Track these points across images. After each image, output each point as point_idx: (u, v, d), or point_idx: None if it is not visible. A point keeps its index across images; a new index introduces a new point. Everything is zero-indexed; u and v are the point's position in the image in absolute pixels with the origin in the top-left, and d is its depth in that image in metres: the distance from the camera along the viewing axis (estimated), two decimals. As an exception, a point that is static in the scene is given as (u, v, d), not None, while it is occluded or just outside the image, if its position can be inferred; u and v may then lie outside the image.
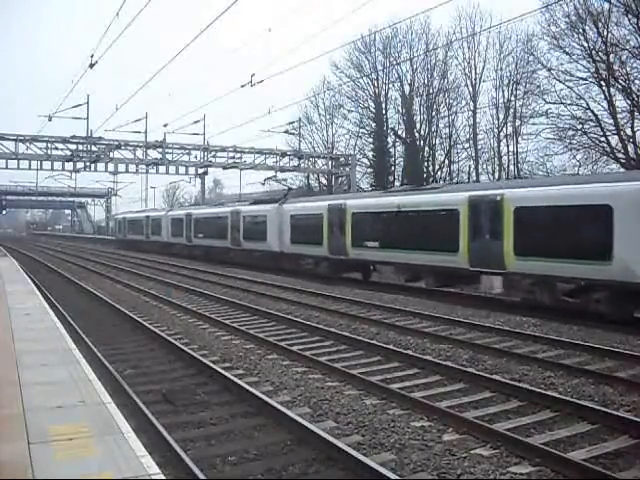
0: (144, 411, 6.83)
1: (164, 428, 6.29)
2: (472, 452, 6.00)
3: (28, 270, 23.01)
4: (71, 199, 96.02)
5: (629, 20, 28.89)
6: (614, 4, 29.18)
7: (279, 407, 7.02)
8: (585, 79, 31.43)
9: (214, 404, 7.57)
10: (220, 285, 21.32)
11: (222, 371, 8.73)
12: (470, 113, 42.89)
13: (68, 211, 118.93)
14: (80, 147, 36.42)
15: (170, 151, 39.11)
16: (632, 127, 30.14)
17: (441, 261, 17.23)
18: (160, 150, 38.47)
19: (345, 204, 22.01)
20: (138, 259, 36.42)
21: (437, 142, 45.57)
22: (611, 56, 30.09)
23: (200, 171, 42.34)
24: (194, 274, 25.66)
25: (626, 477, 5.42)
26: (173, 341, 11.03)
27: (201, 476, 5.18)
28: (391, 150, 48.28)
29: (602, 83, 30.63)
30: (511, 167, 40.74)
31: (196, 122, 36.66)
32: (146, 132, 37.16)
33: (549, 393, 7.83)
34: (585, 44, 30.68)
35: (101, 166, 39.39)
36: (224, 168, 41.48)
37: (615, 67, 30.13)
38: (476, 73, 42.48)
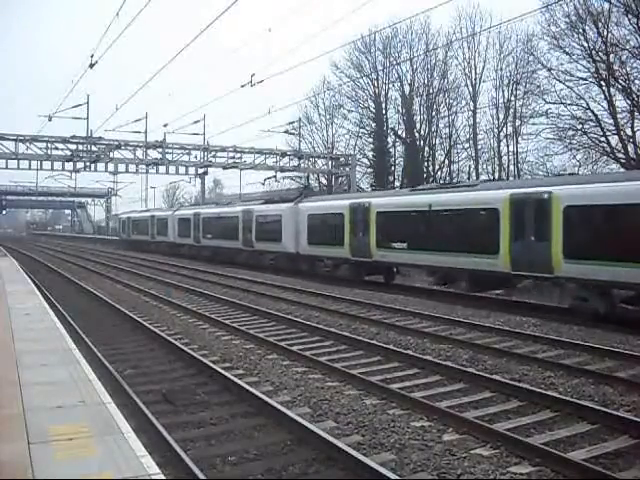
0: (144, 411, 6.83)
1: (164, 428, 6.29)
2: (472, 452, 6.00)
3: (28, 270, 23.01)
4: (71, 199, 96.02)
5: (629, 20, 28.87)
6: (614, 4, 29.18)
7: (279, 407, 7.02)
8: (585, 79, 31.42)
9: (214, 404, 7.57)
10: (220, 285, 21.32)
11: (222, 371, 8.74)
12: (470, 113, 42.88)
13: (68, 211, 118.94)
14: (80, 147, 36.37)
15: (170, 151, 39.08)
16: (632, 127, 30.13)
17: (478, 264, 16.08)
18: (160, 150, 38.44)
19: (369, 203, 20.82)
20: (138, 259, 36.42)
21: (437, 142, 45.56)
22: (611, 56, 30.07)
23: (200, 171, 42.30)
24: (194, 274, 25.66)
25: (626, 477, 5.42)
26: (173, 341, 11.03)
27: (201, 476, 5.18)
28: (391, 150, 48.25)
29: (602, 83, 30.61)
30: (511, 167, 40.74)
31: (196, 122, 36.68)
32: (146, 132, 37.17)
33: (549, 393, 7.83)
34: (585, 44, 30.67)
35: (101, 166, 39.34)
36: (224, 168, 41.44)
37: (615, 67, 30.11)
38: (476, 73, 42.48)
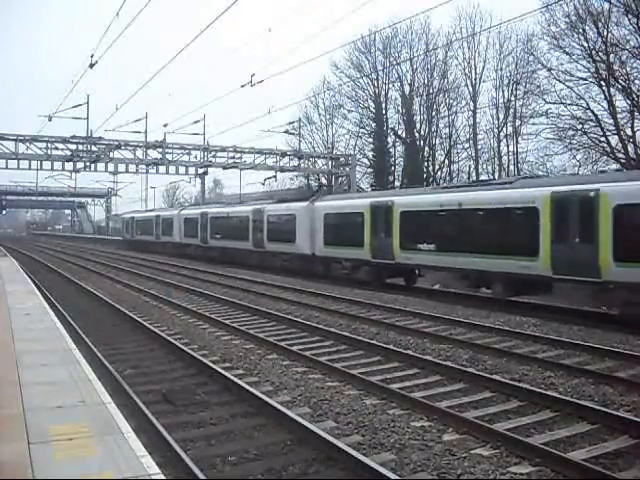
0: (144, 411, 6.83)
1: (164, 428, 6.29)
2: (472, 452, 6.00)
3: (28, 270, 23.01)
4: (71, 199, 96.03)
5: (629, 20, 28.85)
6: (614, 4, 29.15)
7: (279, 407, 7.02)
8: (585, 79, 31.40)
9: (214, 404, 7.57)
10: (220, 285, 21.32)
11: (222, 371, 8.74)
12: (470, 113, 42.86)
13: (68, 211, 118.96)
14: (80, 147, 36.34)
15: (170, 151, 39.05)
16: (632, 127, 30.11)
17: (515, 267, 15.03)
18: (160, 150, 38.42)
19: (392, 202, 19.74)
20: (138, 259, 36.43)
21: (437, 142, 45.54)
22: (611, 56, 30.05)
23: (200, 171, 42.27)
24: (194, 274, 25.67)
25: (626, 477, 5.42)
26: (173, 341, 11.03)
27: (201, 476, 5.18)
28: (391, 150, 48.24)
29: (602, 83, 30.60)
30: (511, 167, 40.73)
31: (196, 122, 36.64)
32: (146, 132, 37.11)
33: (549, 393, 7.83)
34: (585, 44, 30.65)
35: (101, 166, 39.29)
36: (224, 168, 41.42)
37: (615, 67, 30.08)
38: (476, 73, 42.45)
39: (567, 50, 31.52)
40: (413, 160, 44.79)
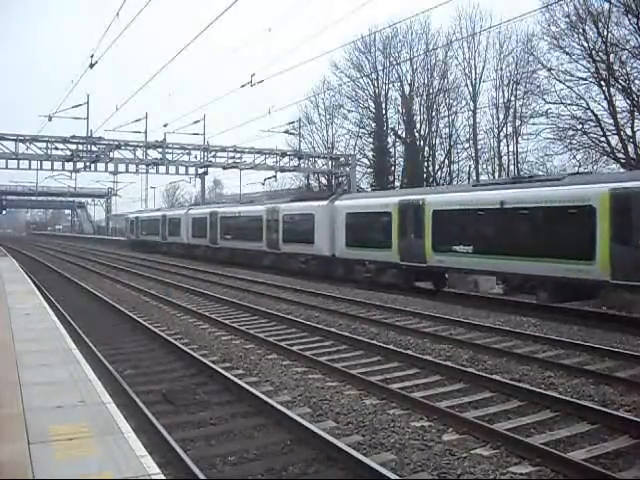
0: (144, 411, 6.83)
1: (164, 428, 6.29)
2: (472, 452, 6.00)
3: (28, 270, 23.00)
4: (71, 199, 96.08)
5: (629, 20, 28.85)
6: (614, 4, 29.16)
7: (279, 407, 7.02)
8: (585, 79, 31.41)
9: (214, 404, 7.57)
10: (220, 285, 21.33)
11: (222, 371, 8.74)
12: (470, 113, 42.86)
13: (68, 211, 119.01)
14: (80, 147, 36.35)
15: (170, 151, 39.06)
16: (632, 127, 30.11)
17: (566, 271, 13.81)
18: (160, 150, 38.44)
19: (424, 200, 18.37)
20: (138, 259, 36.44)
21: (437, 142, 45.55)
22: (611, 56, 30.06)
23: (200, 171, 42.27)
24: (194, 274, 25.67)
25: (626, 477, 5.42)
26: (173, 341, 11.03)
27: (201, 476, 5.18)
28: (391, 150, 48.26)
29: (602, 83, 30.61)
30: (511, 167, 40.74)
31: (196, 122, 36.69)
32: (146, 132, 37.13)
33: (549, 393, 7.83)
34: (585, 44, 30.66)
35: (101, 166, 39.28)
36: (224, 168, 41.44)
37: (615, 67, 30.09)
38: (476, 73, 42.46)
39: (567, 50, 31.57)
40: (413, 160, 44.79)
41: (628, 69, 29.79)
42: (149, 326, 12.62)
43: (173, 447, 5.77)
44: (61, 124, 35.15)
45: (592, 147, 31.69)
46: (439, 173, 45.21)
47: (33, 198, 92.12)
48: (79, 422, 4.71)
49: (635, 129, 30.10)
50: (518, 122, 39.84)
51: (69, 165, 37.75)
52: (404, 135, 46.63)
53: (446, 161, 45.10)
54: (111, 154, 37.47)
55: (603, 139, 31.16)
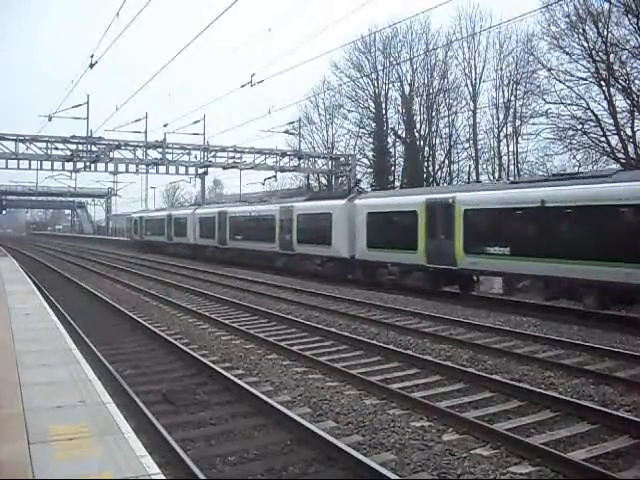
0: (144, 411, 6.83)
1: (164, 428, 6.29)
2: (472, 452, 6.00)
3: (28, 270, 23.00)
4: (71, 199, 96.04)
5: (629, 20, 28.84)
6: (614, 4, 29.15)
7: (279, 407, 7.02)
8: (585, 79, 31.40)
9: (214, 404, 7.57)
10: (220, 285, 21.33)
11: (222, 371, 8.74)
12: (470, 113, 42.81)
13: (68, 211, 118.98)
14: (80, 147, 36.38)
15: (170, 151, 39.08)
16: (632, 127, 30.10)
17: (620, 275, 12.76)
18: (160, 150, 38.46)
19: (454, 198, 17.20)
20: (138, 259, 36.44)
21: (437, 142, 45.51)
22: (611, 56, 30.05)
23: (200, 171, 42.29)
24: (194, 274, 25.67)
25: (626, 477, 5.42)
26: (173, 341, 11.03)
27: (201, 476, 5.18)
28: (391, 150, 48.24)
29: (602, 83, 30.60)
30: (511, 167, 40.74)
31: (196, 122, 36.68)
32: (146, 132, 37.16)
33: (549, 393, 7.83)
34: (585, 44, 30.65)
35: (101, 166, 39.31)
36: (224, 168, 41.46)
37: (615, 67, 30.08)
38: (476, 73, 42.41)
39: (567, 50, 31.56)
40: (413, 160, 44.79)
41: (628, 69, 29.81)
42: (149, 326, 12.62)
43: (173, 447, 5.77)
44: (61, 124, 35.21)
45: (592, 147, 31.69)
46: (439, 173, 45.22)
47: (33, 198, 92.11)
48: (79, 422, 4.71)
49: (635, 129, 30.11)
50: (518, 122, 39.82)
51: (69, 165, 37.82)
52: (404, 135, 46.62)
53: (446, 161, 45.09)
54: (111, 154, 37.49)
55: (603, 139, 31.17)
